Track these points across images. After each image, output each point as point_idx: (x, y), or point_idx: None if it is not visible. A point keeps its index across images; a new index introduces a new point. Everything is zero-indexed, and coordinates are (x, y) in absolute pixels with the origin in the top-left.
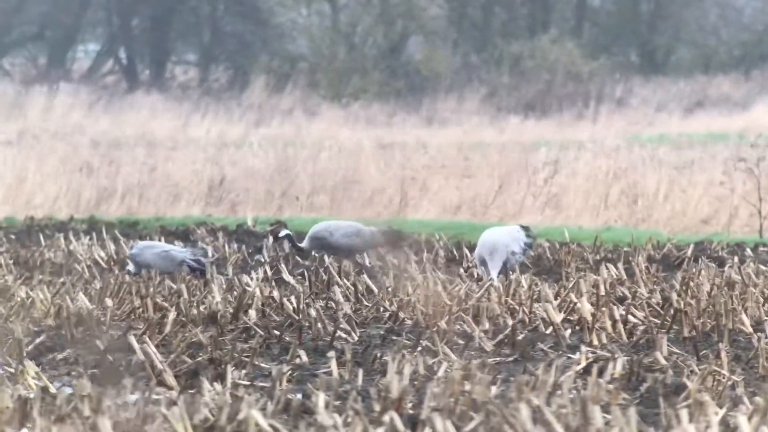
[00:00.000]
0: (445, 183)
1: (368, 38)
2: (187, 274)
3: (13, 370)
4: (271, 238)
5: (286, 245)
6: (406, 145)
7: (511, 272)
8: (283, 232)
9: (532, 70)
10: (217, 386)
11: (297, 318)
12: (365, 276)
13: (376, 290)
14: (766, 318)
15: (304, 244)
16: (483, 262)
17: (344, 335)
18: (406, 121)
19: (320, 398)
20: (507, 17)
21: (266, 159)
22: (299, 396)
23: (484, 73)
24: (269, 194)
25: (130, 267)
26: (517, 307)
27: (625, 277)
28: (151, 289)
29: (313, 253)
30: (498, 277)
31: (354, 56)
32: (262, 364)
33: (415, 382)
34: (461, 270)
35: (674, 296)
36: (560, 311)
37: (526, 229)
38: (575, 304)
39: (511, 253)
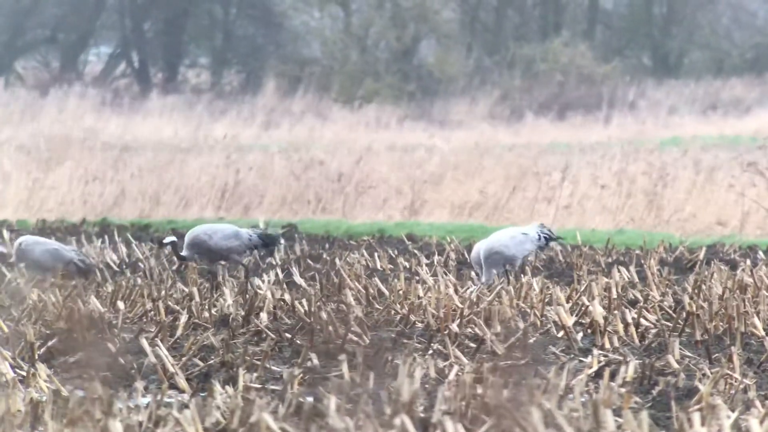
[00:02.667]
0: (457, 186)
1: (380, 41)
2: (73, 273)
3: (25, 373)
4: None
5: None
6: (419, 148)
7: (522, 275)
8: (168, 239)
9: (544, 72)
10: (229, 389)
11: (308, 321)
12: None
13: (387, 293)
14: None
15: (183, 252)
16: (478, 264)
17: (355, 338)
18: (418, 124)
19: (331, 401)
20: (519, 20)
21: (279, 162)
22: (310, 399)
23: (496, 76)
24: (282, 197)
25: (5, 250)
26: (529, 310)
27: (637, 280)
28: (163, 292)
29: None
30: (488, 281)
31: (366, 59)
32: (274, 367)
33: (427, 386)
34: (473, 273)
35: (686, 299)
36: (572, 314)
37: (542, 227)
38: (587, 307)
39: (511, 258)
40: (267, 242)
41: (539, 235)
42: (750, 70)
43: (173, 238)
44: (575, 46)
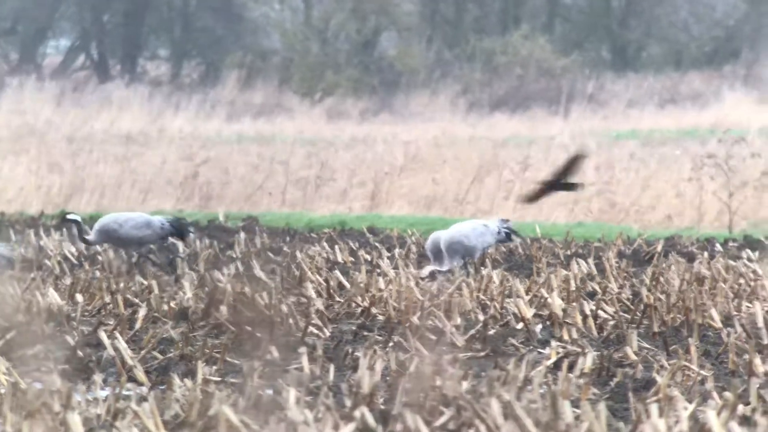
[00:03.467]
0: (418, 178)
1: (341, 33)
2: (3, 266)
3: None
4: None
5: (75, 231)
6: (379, 140)
7: (482, 267)
8: (71, 216)
9: (504, 65)
10: (188, 382)
11: (268, 314)
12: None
13: (348, 286)
14: (735, 313)
15: (91, 237)
16: (435, 255)
17: (316, 331)
18: (379, 116)
19: (291, 394)
20: (479, 13)
21: (239, 154)
22: (270, 392)
23: (457, 69)
24: (242, 190)
25: None
26: (489, 303)
27: (595, 272)
28: (122, 285)
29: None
30: (448, 269)
31: (327, 51)
32: (233, 360)
33: (387, 378)
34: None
35: (644, 291)
36: (531, 306)
37: (505, 221)
38: (546, 299)
39: (471, 248)
40: (180, 231)
41: (500, 229)
42: (708, 63)
43: (78, 217)
44: (535, 40)
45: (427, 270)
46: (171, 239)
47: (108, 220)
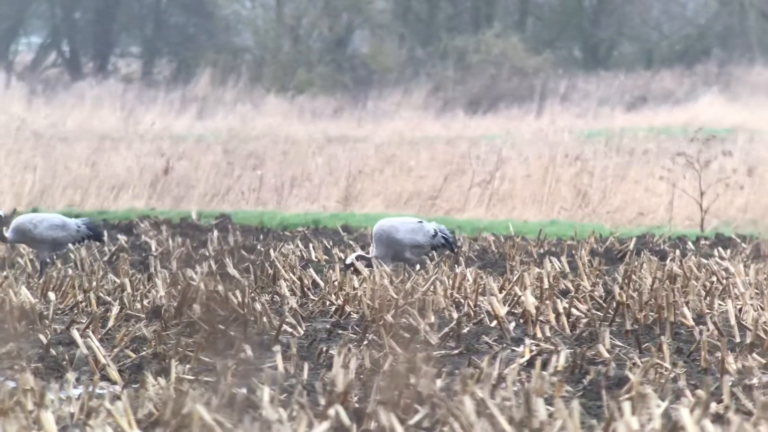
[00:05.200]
0: (391, 177)
1: (313, 31)
2: None
3: None
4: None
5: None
6: (352, 138)
7: (456, 265)
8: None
9: (477, 64)
10: (162, 381)
11: (242, 312)
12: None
13: (322, 284)
14: (707, 311)
15: (7, 234)
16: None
17: (290, 329)
18: (351, 114)
19: (265, 392)
20: (452, 11)
21: (211, 152)
22: (244, 390)
23: (429, 67)
24: (215, 187)
25: None
26: (463, 301)
27: (568, 270)
28: (95, 284)
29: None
30: (378, 256)
31: (299, 49)
32: (207, 359)
33: (361, 376)
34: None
35: (617, 289)
36: (505, 304)
37: (443, 230)
38: (519, 297)
39: (397, 242)
40: (96, 233)
41: (435, 232)
42: (679, 62)
43: (0, 212)
44: (507, 38)
45: (351, 257)
46: (88, 241)
47: (24, 219)
